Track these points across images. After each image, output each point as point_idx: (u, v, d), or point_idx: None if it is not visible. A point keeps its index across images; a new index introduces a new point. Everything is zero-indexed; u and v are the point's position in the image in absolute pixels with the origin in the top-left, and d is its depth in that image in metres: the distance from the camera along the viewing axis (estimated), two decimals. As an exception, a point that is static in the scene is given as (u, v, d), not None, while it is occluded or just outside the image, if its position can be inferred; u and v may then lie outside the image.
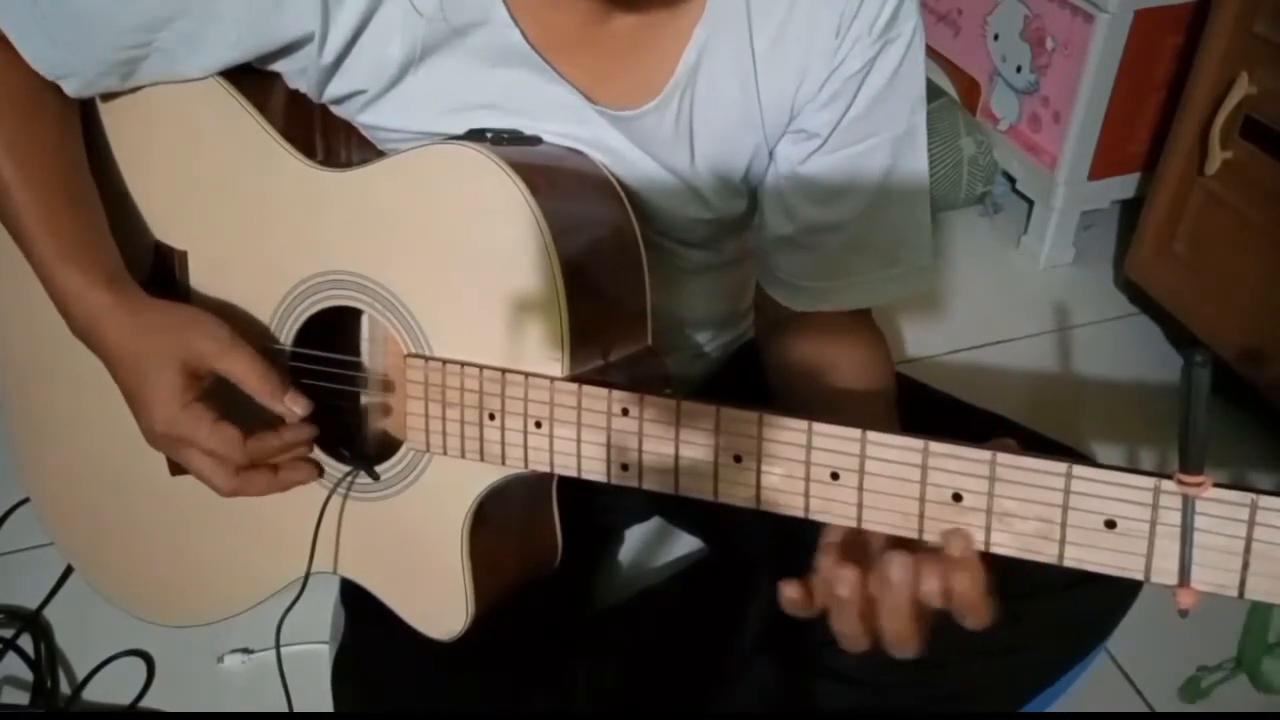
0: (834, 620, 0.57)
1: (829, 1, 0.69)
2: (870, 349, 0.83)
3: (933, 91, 1.64)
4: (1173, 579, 0.48)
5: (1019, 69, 1.57)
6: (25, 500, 1.08)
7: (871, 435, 0.53)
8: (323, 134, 0.76)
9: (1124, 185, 1.58)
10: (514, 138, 0.69)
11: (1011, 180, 1.67)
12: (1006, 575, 0.55)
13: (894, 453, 0.53)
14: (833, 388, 0.78)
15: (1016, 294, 1.59)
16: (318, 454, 0.75)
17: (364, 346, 0.76)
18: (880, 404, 0.78)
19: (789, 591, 0.58)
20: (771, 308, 0.84)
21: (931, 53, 1.70)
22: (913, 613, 0.55)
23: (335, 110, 0.74)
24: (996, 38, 1.61)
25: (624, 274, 0.70)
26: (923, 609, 0.55)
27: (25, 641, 1.06)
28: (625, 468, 0.62)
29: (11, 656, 1.04)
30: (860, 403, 0.77)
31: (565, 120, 0.71)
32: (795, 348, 0.82)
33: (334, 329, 0.75)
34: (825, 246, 0.78)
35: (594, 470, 0.64)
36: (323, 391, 0.74)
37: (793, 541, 0.84)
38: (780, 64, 0.71)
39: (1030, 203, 1.63)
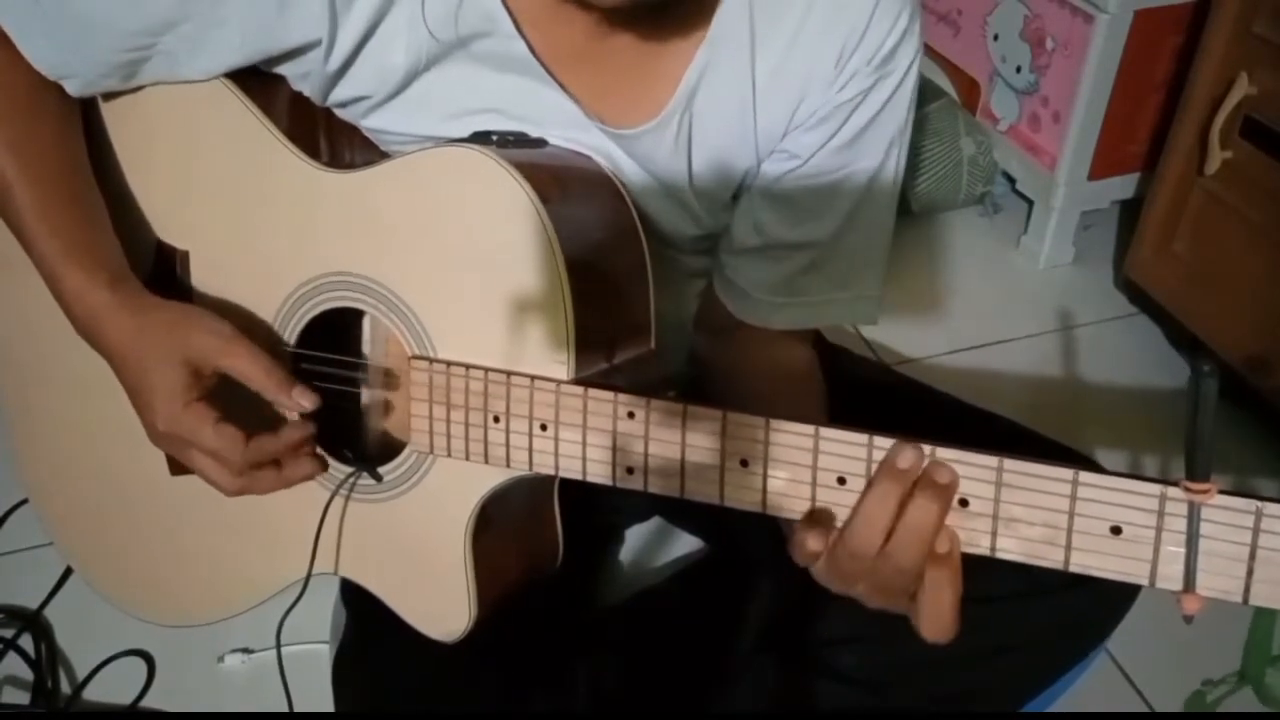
0: (857, 523, 0.54)
1: (833, 32, 0.69)
2: (808, 372, 0.84)
3: (933, 91, 1.64)
4: (1178, 585, 0.48)
5: (1019, 69, 1.57)
6: (25, 500, 1.08)
7: (878, 440, 0.54)
8: (327, 135, 0.75)
9: (1124, 185, 1.58)
10: (519, 140, 0.69)
11: (1011, 180, 1.67)
12: (1006, 574, 0.55)
13: (900, 458, 0.53)
14: (763, 393, 0.79)
15: (1016, 294, 1.59)
16: (321, 454, 0.75)
17: (367, 348, 0.76)
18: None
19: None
20: (715, 316, 0.85)
21: (931, 53, 1.70)
22: (923, 552, 0.53)
23: (339, 114, 0.74)
24: (996, 38, 1.61)
25: (628, 277, 0.70)
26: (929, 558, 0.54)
27: (26, 641, 1.06)
28: (630, 471, 0.62)
29: (12, 656, 1.04)
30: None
31: (567, 126, 0.71)
32: (733, 354, 0.84)
33: (337, 330, 0.75)
34: (785, 263, 0.79)
35: (599, 473, 0.64)
36: (326, 393, 0.74)
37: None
38: (779, 91, 0.71)
39: (1030, 203, 1.63)
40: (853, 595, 0.58)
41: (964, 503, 0.52)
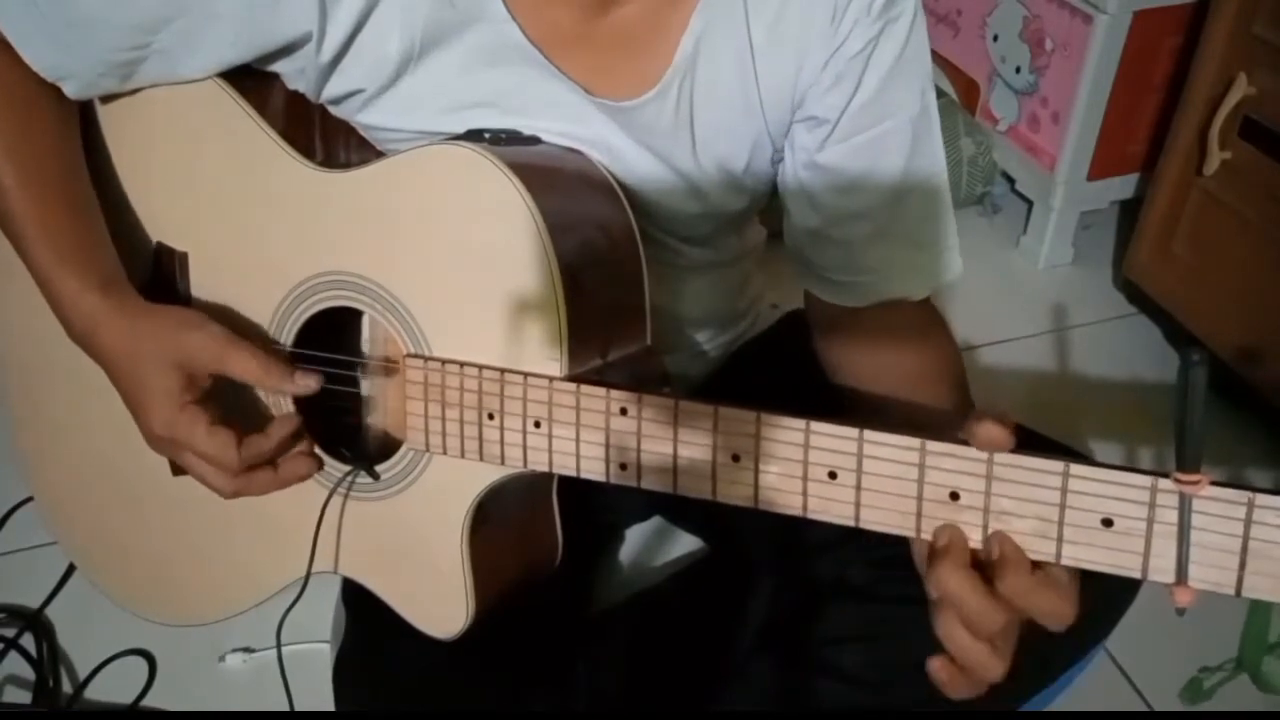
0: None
1: None
2: (937, 353, 0.81)
3: (932, 92, 1.64)
4: (1170, 577, 0.48)
5: (1018, 69, 1.57)
6: (27, 500, 1.09)
7: (869, 434, 0.54)
8: (322, 135, 0.76)
9: (1123, 186, 1.58)
10: (512, 138, 0.70)
11: (1011, 181, 1.67)
12: None
13: (891, 451, 0.53)
14: (910, 399, 0.77)
15: (1016, 294, 1.59)
16: (318, 453, 0.75)
17: (364, 347, 0.77)
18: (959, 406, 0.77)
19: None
20: (821, 307, 0.83)
21: (931, 53, 1.69)
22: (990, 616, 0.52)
23: (334, 110, 0.74)
24: (996, 38, 1.61)
25: (623, 273, 0.70)
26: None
27: (28, 641, 1.06)
28: (624, 467, 0.62)
29: (14, 656, 1.05)
30: (942, 412, 0.76)
31: (564, 119, 0.71)
32: (858, 350, 0.81)
33: (334, 329, 0.75)
34: (853, 237, 0.77)
35: (592, 470, 0.64)
36: (323, 392, 0.74)
37: (793, 542, 0.85)
38: (778, 50, 0.71)
39: (1029, 203, 1.63)
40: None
41: (955, 496, 0.52)
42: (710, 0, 0.69)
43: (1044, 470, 0.50)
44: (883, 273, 0.79)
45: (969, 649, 0.54)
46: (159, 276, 0.79)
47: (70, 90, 0.73)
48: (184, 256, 0.78)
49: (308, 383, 0.71)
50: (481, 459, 0.68)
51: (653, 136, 0.73)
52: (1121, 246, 1.57)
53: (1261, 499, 0.46)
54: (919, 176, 0.76)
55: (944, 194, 0.79)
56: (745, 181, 0.79)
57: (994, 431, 0.50)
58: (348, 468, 0.74)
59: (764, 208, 0.86)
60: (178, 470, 0.81)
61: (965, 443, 0.52)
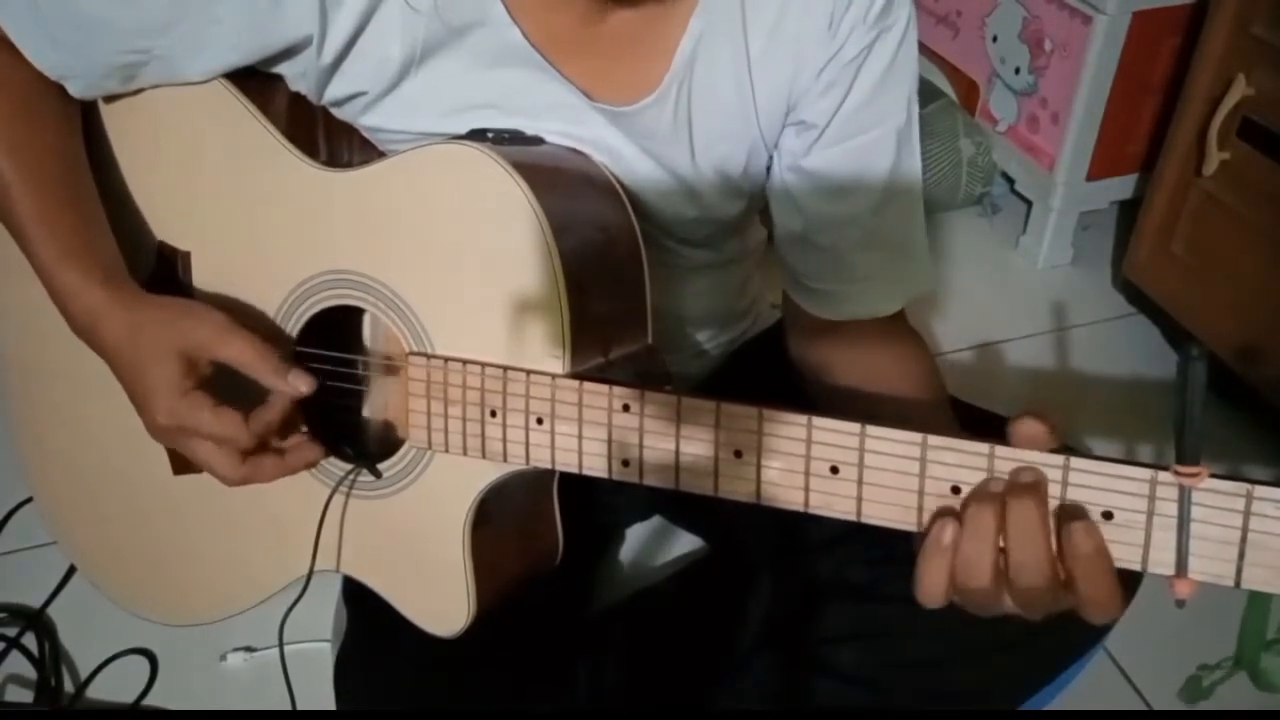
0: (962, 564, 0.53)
1: None
2: (913, 354, 0.82)
3: (932, 93, 1.64)
4: (1170, 569, 0.48)
5: (1017, 70, 1.58)
6: (29, 499, 1.09)
7: (870, 429, 0.54)
8: (325, 134, 0.76)
9: (1122, 186, 1.58)
10: (515, 137, 0.70)
11: (1010, 181, 1.67)
12: None
13: (893, 446, 0.54)
14: (887, 401, 0.77)
15: (1015, 294, 1.59)
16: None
17: (366, 345, 0.77)
18: (940, 414, 0.77)
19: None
20: (801, 316, 0.84)
21: (930, 54, 1.71)
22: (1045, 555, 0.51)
23: (336, 113, 0.74)
24: (995, 39, 1.62)
25: (625, 272, 0.70)
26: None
27: (29, 640, 1.06)
28: (626, 464, 0.63)
29: (15, 655, 1.05)
30: (920, 415, 0.76)
31: (564, 120, 0.71)
32: (836, 361, 0.82)
33: (337, 328, 0.75)
34: (836, 245, 0.78)
35: (595, 466, 0.64)
36: (325, 390, 0.74)
37: (793, 541, 0.85)
38: (775, 55, 0.72)
39: (1029, 203, 1.64)
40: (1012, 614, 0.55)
41: (956, 490, 0.53)
42: (708, 5, 0.69)
43: (1045, 464, 0.50)
44: (863, 283, 0.79)
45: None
46: (161, 275, 0.79)
47: (74, 90, 0.73)
48: (186, 255, 0.79)
49: (299, 385, 0.69)
50: (484, 456, 0.68)
51: (652, 141, 0.74)
52: (1121, 247, 1.57)
53: (1260, 490, 0.46)
54: (901, 186, 0.77)
55: (920, 206, 0.80)
56: (743, 186, 0.79)
57: (1035, 428, 0.51)
58: (350, 466, 0.74)
59: (764, 209, 0.86)
60: (179, 469, 0.81)
61: (968, 437, 0.52)
